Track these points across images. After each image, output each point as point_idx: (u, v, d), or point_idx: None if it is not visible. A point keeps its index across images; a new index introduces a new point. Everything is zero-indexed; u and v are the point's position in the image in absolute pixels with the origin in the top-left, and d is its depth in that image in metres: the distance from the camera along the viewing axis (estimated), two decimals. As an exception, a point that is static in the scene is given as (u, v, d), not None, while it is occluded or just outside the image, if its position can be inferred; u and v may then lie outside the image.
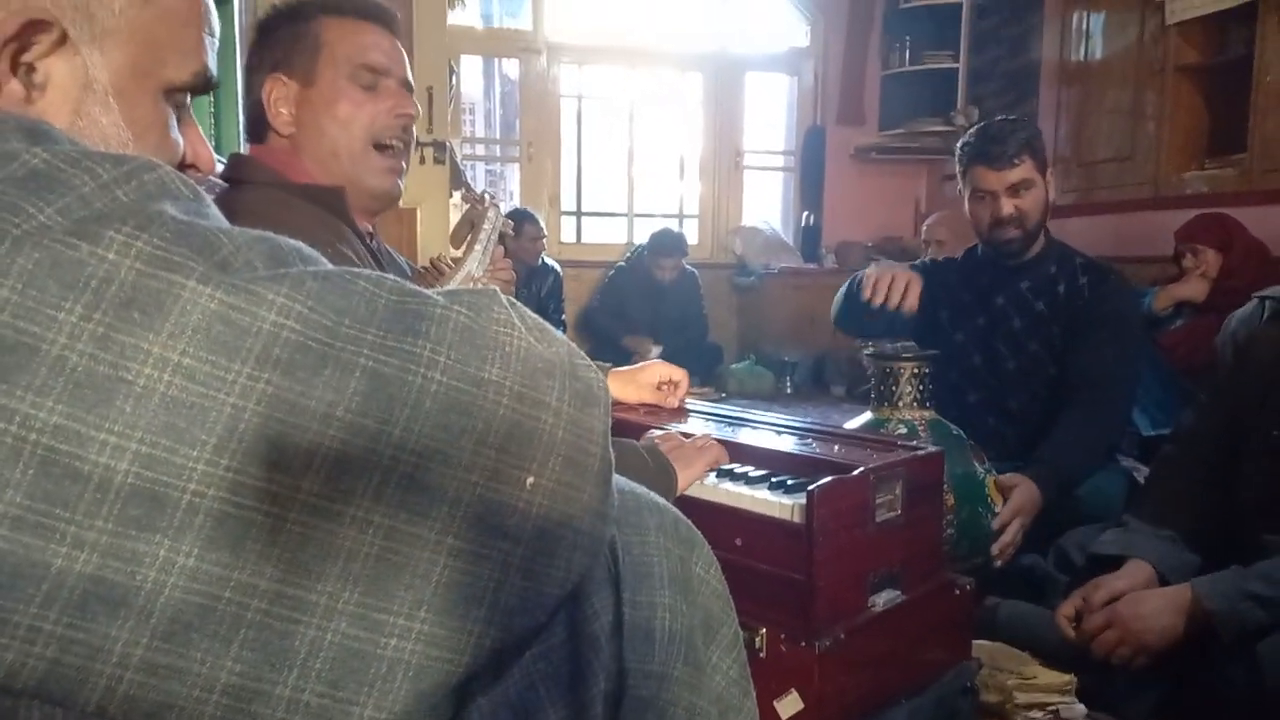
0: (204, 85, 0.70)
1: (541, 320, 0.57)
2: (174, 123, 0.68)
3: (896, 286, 1.76)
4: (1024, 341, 2.00)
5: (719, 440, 1.27)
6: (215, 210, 0.52)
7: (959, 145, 2.05)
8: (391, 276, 0.52)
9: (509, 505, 0.52)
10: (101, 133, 0.63)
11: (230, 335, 0.45)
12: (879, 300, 1.80)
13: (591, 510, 0.56)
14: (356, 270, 0.51)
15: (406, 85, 1.24)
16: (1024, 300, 2.01)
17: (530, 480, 0.53)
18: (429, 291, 0.53)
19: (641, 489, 0.71)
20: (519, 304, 0.57)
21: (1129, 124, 3.99)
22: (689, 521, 0.73)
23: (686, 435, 1.27)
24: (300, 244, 0.53)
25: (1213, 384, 1.60)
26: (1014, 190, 1.93)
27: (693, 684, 0.66)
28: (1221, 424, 1.54)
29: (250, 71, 1.22)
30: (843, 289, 2.06)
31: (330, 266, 0.52)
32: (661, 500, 0.72)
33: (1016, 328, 2.01)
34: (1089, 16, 4.25)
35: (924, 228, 4.98)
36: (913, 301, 1.77)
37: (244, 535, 0.45)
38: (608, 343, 4.84)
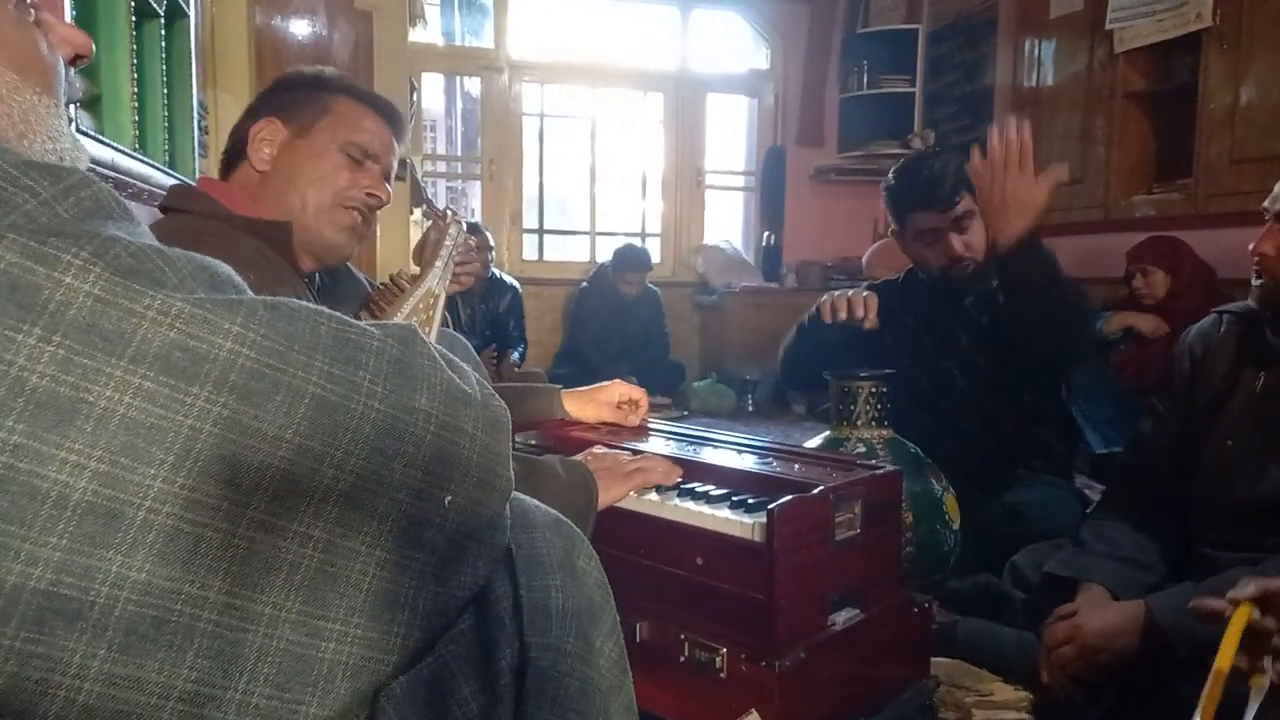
0: None
1: (451, 356, 0.63)
2: (41, 40, 0.66)
3: (856, 301, 1.77)
4: (974, 358, 2.00)
5: (680, 459, 1.27)
6: (145, 228, 0.54)
7: (885, 189, 2.01)
8: (324, 308, 0.56)
9: (429, 520, 0.58)
10: None
11: (189, 361, 0.48)
12: (842, 316, 1.79)
13: (494, 524, 0.64)
14: (293, 299, 0.54)
15: (388, 178, 1.30)
16: (970, 317, 2.01)
17: (448, 499, 0.58)
18: (361, 323, 0.57)
19: (526, 498, 0.78)
20: (430, 341, 0.62)
21: (1079, 148, 4.09)
22: (569, 522, 0.79)
23: (638, 453, 1.27)
24: (231, 272, 0.55)
25: (1169, 397, 1.62)
26: (958, 226, 1.92)
27: (584, 657, 0.71)
28: (1176, 437, 1.57)
29: (247, 116, 1.27)
30: (791, 335, 2.03)
31: (251, 295, 0.54)
32: (543, 505, 0.78)
33: (965, 345, 2.01)
34: (1040, 44, 4.36)
35: (863, 264, 5.06)
36: (873, 315, 1.77)
37: (195, 550, 0.48)
38: (597, 375, 4.44)
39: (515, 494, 0.74)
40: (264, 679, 0.50)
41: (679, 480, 1.23)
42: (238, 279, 0.55)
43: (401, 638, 0.56)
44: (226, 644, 0.49)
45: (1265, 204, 1.45)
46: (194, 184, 1.29)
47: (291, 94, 1.26)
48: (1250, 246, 1.44)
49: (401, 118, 1.34)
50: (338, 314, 0.56)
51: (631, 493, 1.19)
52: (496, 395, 0.65)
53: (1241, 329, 1.52)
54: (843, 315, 1.80)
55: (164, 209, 1.22)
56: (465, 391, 0.60)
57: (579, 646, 0.71)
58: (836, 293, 1.87)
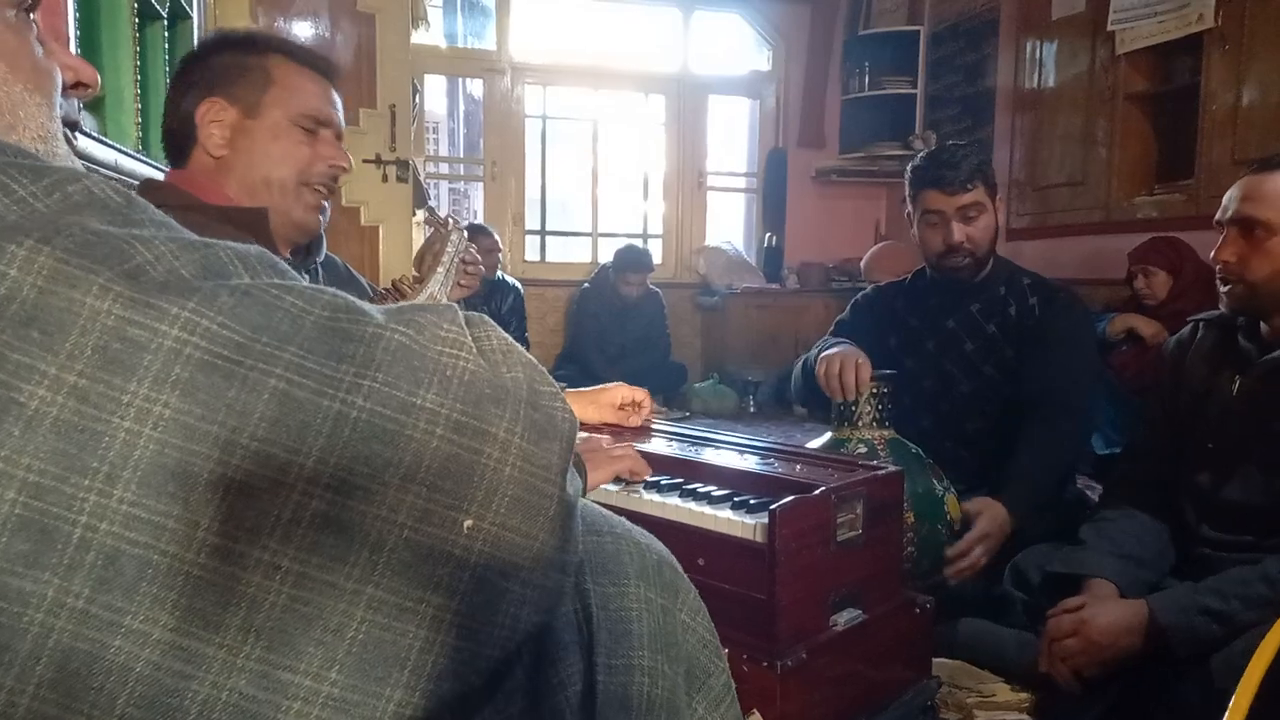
0: None
1: (510, 341, 0.53)
2: (37, 46, 0.64)
3: (847, 380, 1.75)
4: (977, 364, 2.01)
5: (682, 460, 1.27)
6: (151, 214, 0.48)
7: (909, 169, 2.05)
8: (332, 291, 0.48)
9: (442, 552, 0.46)
10: None
11: (127, 353, 0.41)
12: (838, 399, 1.78)
13: (545, 560, 0.50)
14: (290, 285, 0.46)
15: (340, 137, 1.28)
16: (975, 323, 2.02)
17: (468, 524, 0.47)
18: (371, 309, 0.48)
19: (622, 525, 0.65)
20: (488, 321, 0.52)
21: (1081, 150, 4.09)
22: (674, 561, 0.67)
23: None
24: (263, 252, 0.48)
25: (1157, 403, 1.64)
26: (964, 214, 1.93)
27: None
28: (1166, 441, 1.59)
29: (182, 89, 1.21)
30: (798, 369, 2.05)
31: (282, 281, 0.47)
32: (643, 537, 0.67)
33: (969, 350, 2.02)
34: (1042, 45, 4.36)
35: (862, 267, 5.07)
36: (865, 381, 1.76)
37: (138, 577, 0.40)
38: (597, 376, 4.43)
39: (604, 518, 0.63)
40: None
41: (680, 480, 1.23)
42: (263, 262, 0.48)
43: (395, 703, 0.45)
44: (163, 692, 0.41)
45: (1216, 216, 1.48)
46: (160, 178, 1.24)
47: (227, 67, 1.19)
48: (1211, 255, 1.47)
49: (337, 68, 1.29)
50: (343, 300, 0.47)
51: (627, 488, 1.19)
52: (558, 394, 0.53)
53: (1217, 335, 1.55)
54: (839, 398, 1.77)
55: None
56: (498, 386, 0.49)
57: None
58: (827, 354, 1.82)
